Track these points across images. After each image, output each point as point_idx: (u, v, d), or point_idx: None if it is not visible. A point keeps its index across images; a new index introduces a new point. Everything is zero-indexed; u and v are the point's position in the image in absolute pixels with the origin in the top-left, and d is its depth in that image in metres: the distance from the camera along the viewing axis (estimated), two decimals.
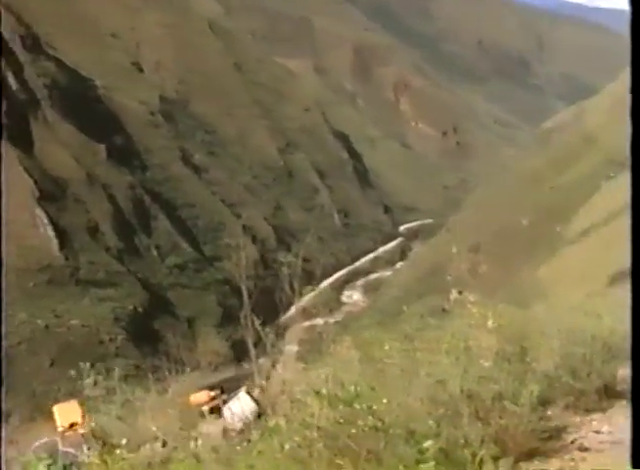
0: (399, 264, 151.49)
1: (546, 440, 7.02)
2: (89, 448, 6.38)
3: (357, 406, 4.03)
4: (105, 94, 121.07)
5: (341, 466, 3.96)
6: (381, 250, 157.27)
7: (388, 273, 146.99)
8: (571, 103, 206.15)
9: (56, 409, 8.98)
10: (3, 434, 5.30)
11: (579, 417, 7.92)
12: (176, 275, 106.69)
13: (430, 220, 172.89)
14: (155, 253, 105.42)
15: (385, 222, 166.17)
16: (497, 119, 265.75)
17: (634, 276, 3.31)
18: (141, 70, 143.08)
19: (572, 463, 6.55)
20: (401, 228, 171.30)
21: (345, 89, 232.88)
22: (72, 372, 6.53)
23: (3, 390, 6.62)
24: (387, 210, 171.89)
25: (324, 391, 4.41)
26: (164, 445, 6.18)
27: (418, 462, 3.81)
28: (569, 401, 7.88)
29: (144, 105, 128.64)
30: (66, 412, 8.84)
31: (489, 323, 7.82)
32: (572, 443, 7.11)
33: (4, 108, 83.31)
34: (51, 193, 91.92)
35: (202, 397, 12.16)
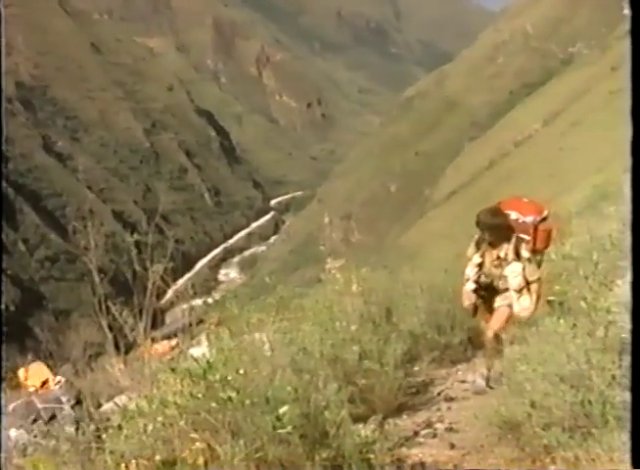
0: (273, 239, 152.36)
1: (413, 394, 7.24)
2: (69, 400, 6.28)
3: (211, 379, 4.03)
4: None
5: (200, 440, 3.96)
6: (254, 225, 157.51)
7: (262, 248, 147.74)
8: (430, 69, 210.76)
9: (22, 372, 8.71)
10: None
11: (446, 369, 8.19)
12: (48, 268, 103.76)
13: (300, 193, 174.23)
14: (23, 247, 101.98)
15: (256, 197, 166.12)
16: (360, 89, 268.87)
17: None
18: None
19: (439, 413, 6.78)
20: (273, 202, 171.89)
21: (208, 66, 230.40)
22: None
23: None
24: (257, 185, 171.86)
25: (182, 366, 4.39)
26: None
27: (275, 428, 3.85)
28: (435, 356, 8.11)
29: None
30: (34, 372, 8.63)
31: (353, 287, 7.96)
32: (439, 394, 7.36)
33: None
34: None
35: (164, 347, 12.32)
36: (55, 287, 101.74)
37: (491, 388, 7.17)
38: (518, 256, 7.32)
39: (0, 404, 6.13)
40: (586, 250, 6.88)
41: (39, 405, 6.61)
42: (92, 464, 4.42)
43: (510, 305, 7.42)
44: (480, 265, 7.56)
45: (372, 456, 4.44)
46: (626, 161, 3.58)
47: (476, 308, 7.70)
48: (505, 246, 7.39)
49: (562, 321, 5.49)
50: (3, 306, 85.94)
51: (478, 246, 7.61)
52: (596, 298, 5.33)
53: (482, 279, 7.56)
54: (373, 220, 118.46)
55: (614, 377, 4.56)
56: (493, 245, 7.45)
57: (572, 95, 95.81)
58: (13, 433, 6.17)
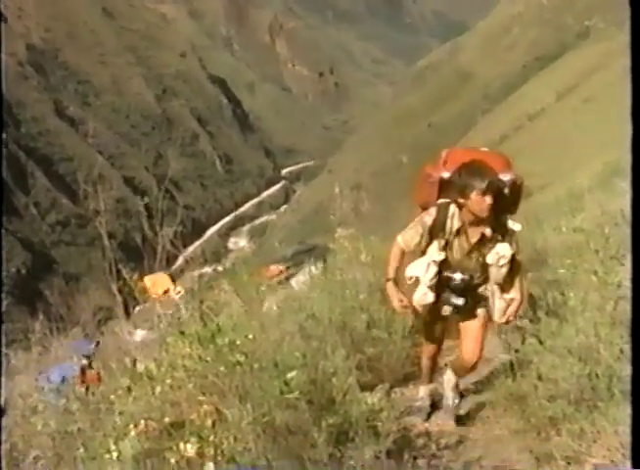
0: (284, 208, 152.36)
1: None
2: (187, 309, 6.59)
3: (220, 343, 4.08)
4: None
5: (208, 404, 4.02)
6: (264, 194, 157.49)
7: (272, 217, 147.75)
8: (443, 40, 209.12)
9: (147, 280, 9.18)
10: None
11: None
12: (59, 233, 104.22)
13: (311, 162, 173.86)
14: (34, 211, 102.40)
15: (267, 166, 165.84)
16: (374, 59, 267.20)
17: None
18: (4, 19, 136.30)
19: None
20: (284, 171, 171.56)
21: (221, 33, 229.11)
22: None
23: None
24: (268, 153, 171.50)
25: (192, 330, 4.43)
26: None
27: (283, 393, 3.90)
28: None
29: (11, 56, 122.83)
30: (156, 281, 9.10)
31: (362, 256, 7.96)
32: (446, 365, 7.38)
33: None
34: None
35: (274, 270, 13.06)
36: (65, 251, 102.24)
37: (434, 410, 6.14)
38: (502, 233, 5.25)
39: (0, 374, 6.22)
40: (597, 224, 6.88)
41: (160, 311, 6.94)
42: (101, 424, 4.49)
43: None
44: (441, 262, 5.31)
45: (378, 424, 4.49)
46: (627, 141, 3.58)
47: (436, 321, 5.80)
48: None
49: (572, 294, 5.52)
50: (13, 270, 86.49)
51: (432, 233, 5.31)
52: (607, 272, 5.34)
53: (457, 279, 5.35)
54: (383, 191, 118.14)
55: (622, 351, 4.59)
56: (476, 223, 5.21)
57: (587, 70, 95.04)
58: (139, 333, 6.61)
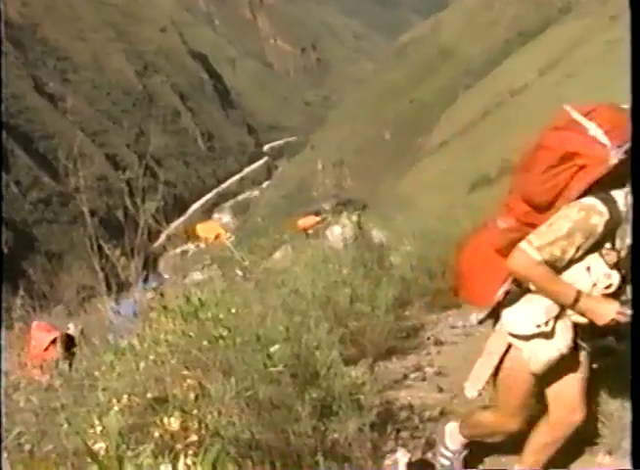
0: (266, 184, 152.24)
1: (404, 338, 7.29)
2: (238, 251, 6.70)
3: (203, 317, 4.07)
4: None
5: (191, 378, 4.02)
6: (247, 170, 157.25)
7: (255, 193, 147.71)
8: (425, 16, 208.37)
9: (199, 227, 9.50)
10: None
11: (436, 315, 8.22)
12: (41, 211, 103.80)
13: (294, 138, 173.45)
14: (15, 189, 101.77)
15: (249, 142, 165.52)
16: (356, 34, 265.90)
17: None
18: None
19: (429, 357, 6.84)
20: (266, 147, 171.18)
21: (201, 8, 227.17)
22: None
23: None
24: (250, 129, 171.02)
25: (174, 305, 4.42)
26: None
27: (266, 367, 3.90)
28: (426, 301, 8.15)
29: None
30: (208, 228, 9.32)
31: (346, 231, 7.98)
32: (429, 339, 7.41)
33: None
34: None
35: (309, 220, 13.39)
36: (47, 229, 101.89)
37: None
38: None
39: (0, 350, 6.18)
40: None
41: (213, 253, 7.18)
42: (85, 400, 4.48)
43: None
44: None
45: (362, 397, 4.49)
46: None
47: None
48: None
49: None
50: None
51: (574, 239, 3.23)
52: None
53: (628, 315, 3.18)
54: (366, 168, 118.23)
55: None
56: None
57: (569, 45, 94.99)
58: (194, 275, 6.81)
